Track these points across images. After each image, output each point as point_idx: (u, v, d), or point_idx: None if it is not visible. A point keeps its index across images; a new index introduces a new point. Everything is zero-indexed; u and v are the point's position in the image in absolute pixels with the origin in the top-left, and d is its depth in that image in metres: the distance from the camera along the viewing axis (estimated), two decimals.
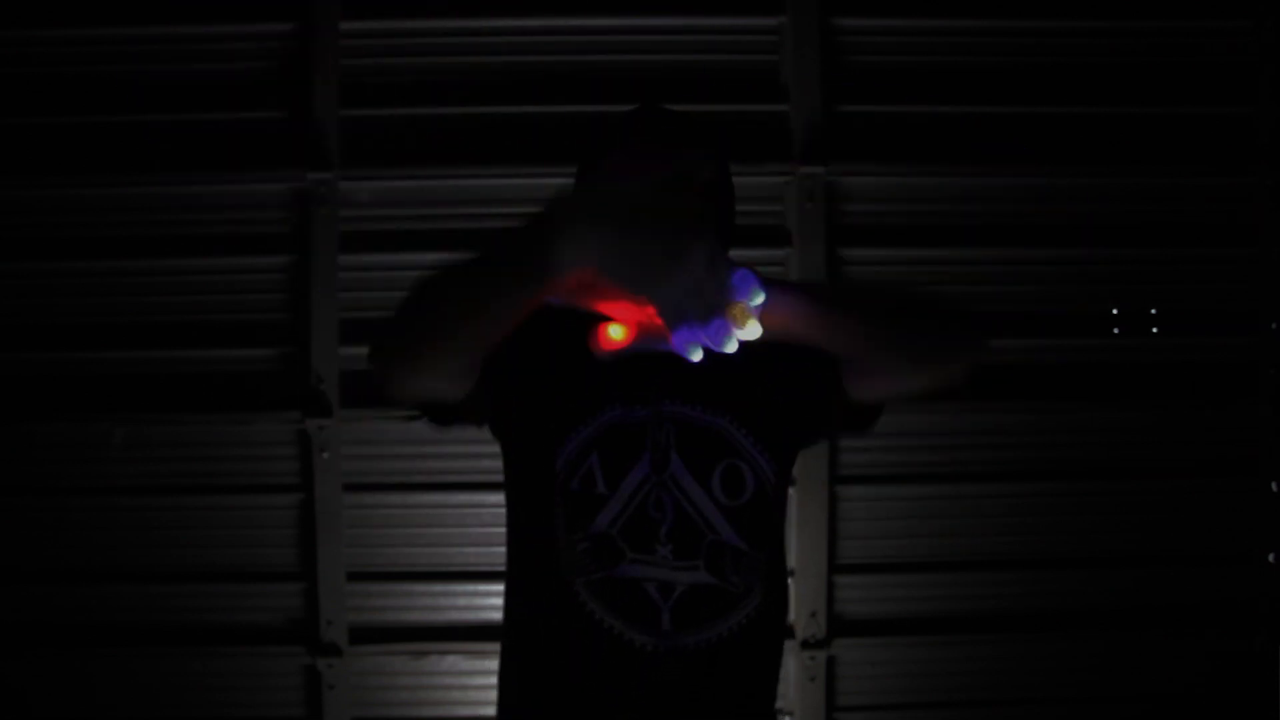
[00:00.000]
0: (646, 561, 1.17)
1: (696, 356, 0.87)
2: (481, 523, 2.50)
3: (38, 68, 2.52)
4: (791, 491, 2.53)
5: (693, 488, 1.19)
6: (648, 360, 1.16)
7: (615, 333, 0.92)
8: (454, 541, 2.54)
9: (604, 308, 0.92)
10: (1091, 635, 2.61)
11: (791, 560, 2.56)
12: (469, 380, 1.16)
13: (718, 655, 1.18)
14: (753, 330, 0.87)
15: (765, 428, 1.24)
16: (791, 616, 2.57)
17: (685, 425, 1.21)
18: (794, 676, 2.58)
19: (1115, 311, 2.61)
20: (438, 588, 2.55)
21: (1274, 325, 2.61)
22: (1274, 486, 2.61)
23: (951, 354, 1.17)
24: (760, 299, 0.87)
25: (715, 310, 0.85)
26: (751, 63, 2.58)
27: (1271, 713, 2.62)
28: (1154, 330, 2.61)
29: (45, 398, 2.52)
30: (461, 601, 2.55)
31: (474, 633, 2.52)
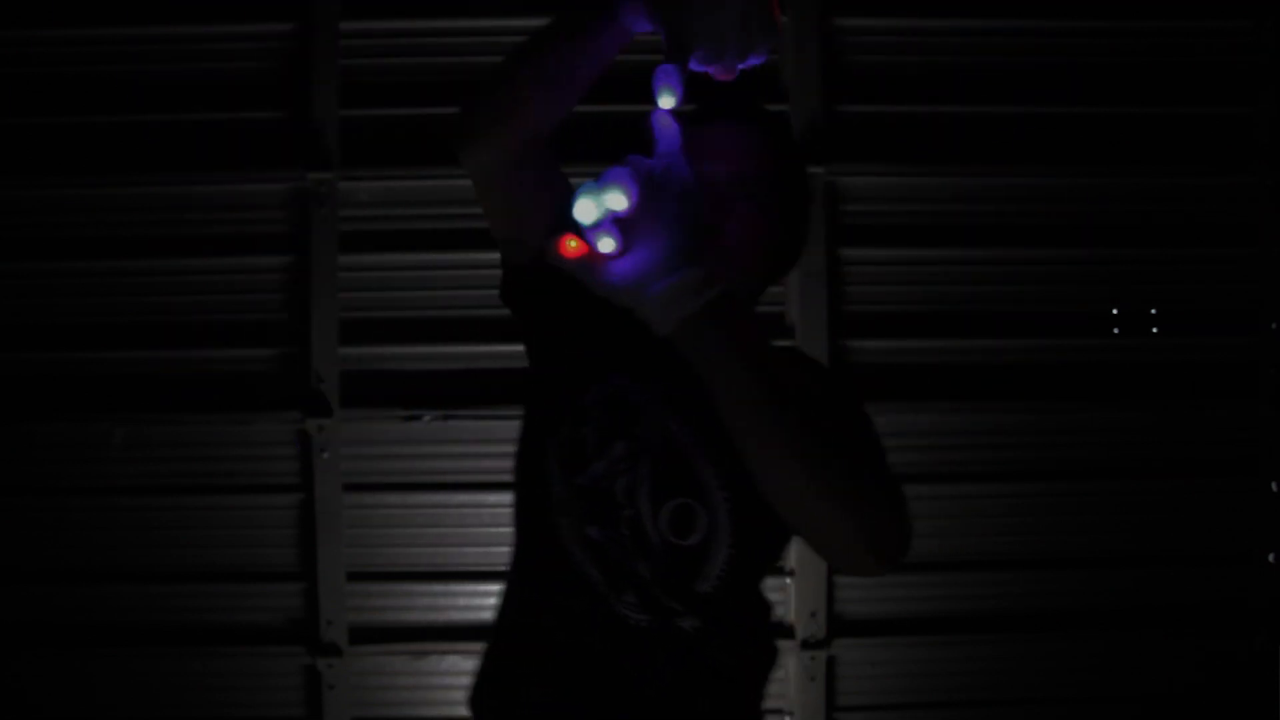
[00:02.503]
0: (610, 536, 1.14)
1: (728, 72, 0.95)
2: (481, 523, 2.50)
3: (38, 68, 2.52)
4: None
5: (644, 504, 1.14)
6: (677, 354, 1.10)
7: (573, 244, 0.92)
8: (454, 541, 2.54)
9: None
10: (1091, 635, 2.61)
11: (791, 560, 2.56)
12: (531, 199, 1.18)
13: (667, 647, 1.14)
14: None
15: (747, 500, 1.10)
16: (791, 616, 2.57)
17: (671, 441, 1.15)
18: (794, 676, 2.58)
19: (1115, 311, 2.61)
20: (438, 588, 2.55)
21: (1274, 325, 2.61)
22: (1274, 486, 2.61)
23: (836, 555, 1.03)
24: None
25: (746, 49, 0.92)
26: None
27: (1271, 713, 2.62)
28: (1154, 330, 2.61)
29: (45, 398, 2.52)
30: (461, 601, 2.55)
31: (474, 633, 2.52)
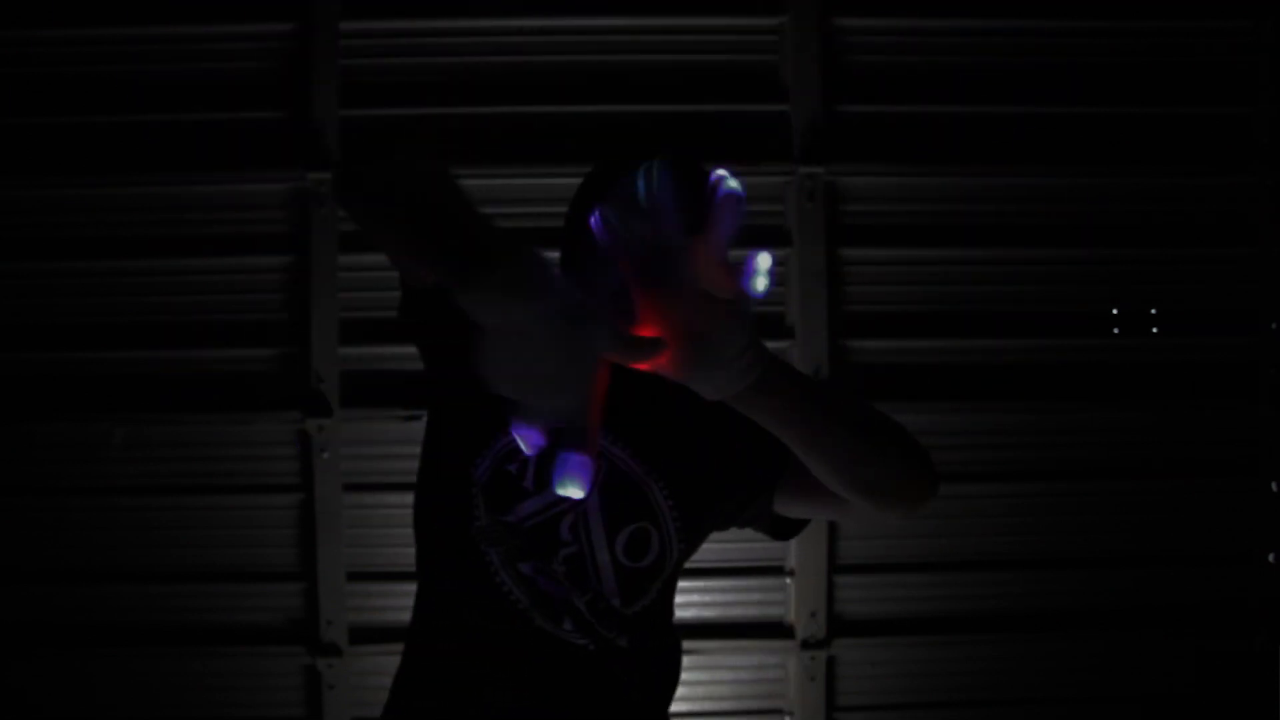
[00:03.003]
0: (541, 570, 1.17)
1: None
2: None
3: (38, 68, 2.51)
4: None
5: (597, 536, 1.17)
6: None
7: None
8: None
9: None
10: (1091, 635, 2.61)
11: (791, 560, 2.56)
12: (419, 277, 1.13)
13: (593, 663, 1.18)
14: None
15: (692, 508, 1.20)
16: (791, 616, 2.57)
17: (615, 471, 1.18)
18: (794, 676, 2.58)
19: (1115, 311, 2.61)
20: None
21: (1274, 325, 2.61)
22: (1274, 486, 2.61)
23: (905, 497, 1.10)
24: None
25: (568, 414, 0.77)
26: (751, 63, 2.58)
27: (1271, 713, 2.62)
28: (1154, 330, 2.61)
29: (45, 398, 2.52)
30: None
31: None
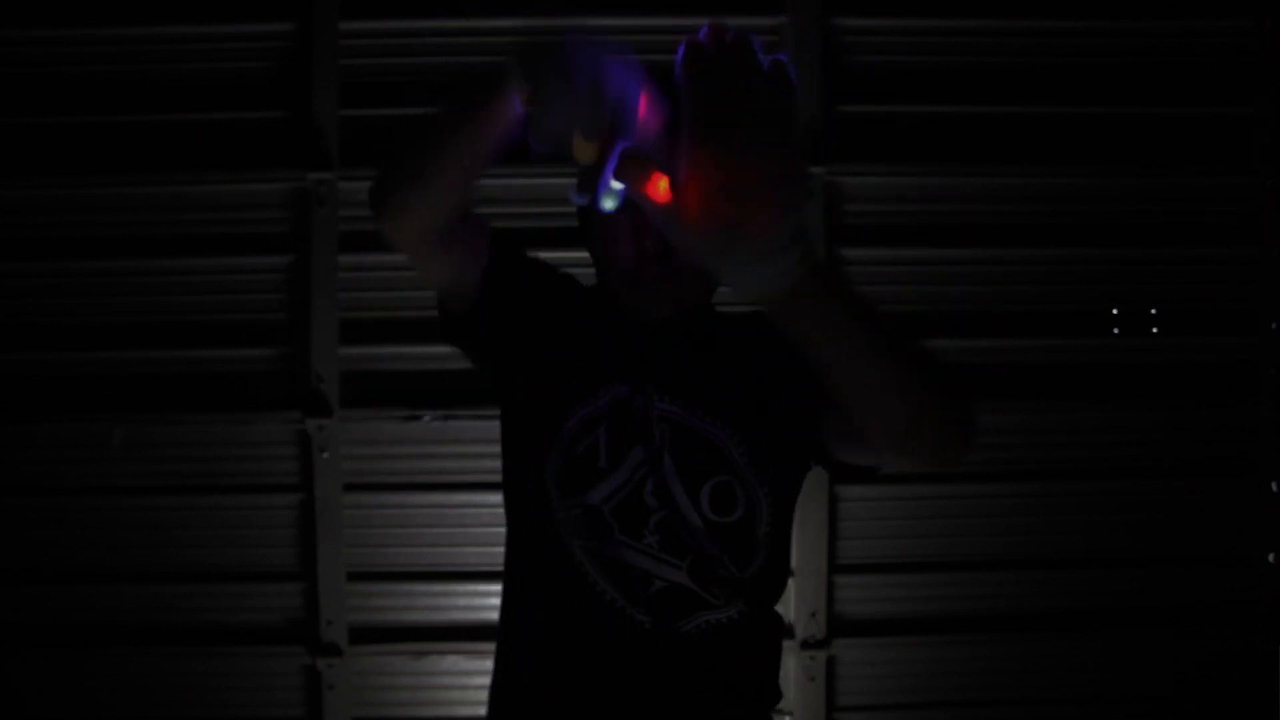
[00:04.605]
0: (632, 546, 1.16)
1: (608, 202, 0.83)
2: (481, 523, 2.50)
3: (38, 68, 2.52)
4: None
5: (681, 498, 1.17)
6: (650, 345, 1.17)
7: (663, 184, 0.78)
8: (454, 541, 2.54)
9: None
10: (1091, 635, 2.61)
11: (792, 560, 2.56)
12: (463, 256, 1.18)
13: (697, 646, 1.17)
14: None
15: (763, 449, 1.19)
16: (791, 616, 2.57)
17: (681, 429, 1.17)
18: (794, 676, 2.58)
19: (1115, 311, 2.61)
20: (438, 588, 2.55)
21: (1274, 325, 2.61)
22: (1274, 486, 2.61)
23: (929, 448, 0.95)
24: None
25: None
26: None
27: (1271, 713, 2.62)
28: (1154, 330, 2.61)
29: (45, 398, 2.52)
30: (461, 601, 2.55)
31: (474, 633, 2.52)
